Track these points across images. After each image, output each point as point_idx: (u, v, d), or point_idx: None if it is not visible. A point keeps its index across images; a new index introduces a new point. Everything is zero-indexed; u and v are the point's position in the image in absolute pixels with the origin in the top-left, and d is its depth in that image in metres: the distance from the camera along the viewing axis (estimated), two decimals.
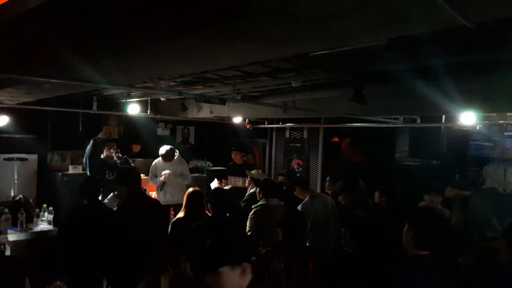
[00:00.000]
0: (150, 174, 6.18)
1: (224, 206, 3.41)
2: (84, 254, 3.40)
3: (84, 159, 5.94)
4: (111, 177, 5.60)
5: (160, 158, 6.14)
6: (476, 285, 2.25)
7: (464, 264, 2.38)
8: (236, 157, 6.89)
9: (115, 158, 5.96)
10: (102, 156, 5.92)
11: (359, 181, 3.72)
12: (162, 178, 5.97)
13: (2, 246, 4.08)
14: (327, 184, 5.25)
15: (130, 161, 6.31)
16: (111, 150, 5.95)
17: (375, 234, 3.19)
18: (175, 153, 6.12)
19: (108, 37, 2.32)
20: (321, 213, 4.23)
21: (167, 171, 5.97)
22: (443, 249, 2.23)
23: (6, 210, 4.71)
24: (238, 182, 6.38)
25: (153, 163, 6.21)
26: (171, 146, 6.18)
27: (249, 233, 3.84)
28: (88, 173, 5.71)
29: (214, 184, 6.14)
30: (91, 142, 5.85)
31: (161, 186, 6.03)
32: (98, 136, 5.93)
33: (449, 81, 3.59)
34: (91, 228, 3.43)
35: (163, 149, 6.07)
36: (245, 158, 6.96)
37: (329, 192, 5.01)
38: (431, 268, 2.10)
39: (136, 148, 7.41)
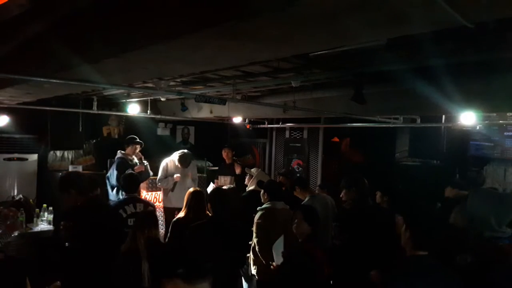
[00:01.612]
0: (160, 175, 5.92)
1: (223, 206, 3.40)
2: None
3: (111, 173, 5.58)
4: None
5: (171, 159, 5.95)
6: (477, 284, 2.24)
7: (463, 263, 2.37)
8: (228, 155, 6.77)
9: (136, 160, 5.76)
10: (120, 155, 5.65)
11: (363, 180, 3.85)
12: (175, 177, 5.79)
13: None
14: (317, 190, 5.24)
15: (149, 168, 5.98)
16: (136, 151, 5.75)
17: (362, 227, 3.24)
18: (192, 160, 5.98)
19: (108, 36, 2.32)
20: (321, 212, 4.22)
21: (178, 174, 5.82)
22: (440, 248, 2.23)
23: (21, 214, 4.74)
24: (226, 181, 6.38)
25: (164, 164, 5.94)
26: (189, 152, 6.00)
27: (256, 239, 3.82)
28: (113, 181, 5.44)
29: (210, 188, 6.10)
30: (119, 160, 5.56)
31: (173, 187, 5.84)
32: (123, 153, 5.69)
33: (449, 81, 3.59)
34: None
35: (180, 154, 5.86)
36: (235, 158, 6.90)
37: None
38: (429, 268, 2.10)
39: None
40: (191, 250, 3.14)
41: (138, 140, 5.85)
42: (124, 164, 5.50)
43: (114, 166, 5.52)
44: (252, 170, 5.53)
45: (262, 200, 4.09)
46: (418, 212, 2.39)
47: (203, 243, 3.18)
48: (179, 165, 5.84)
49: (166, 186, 5.87)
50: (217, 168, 7.20)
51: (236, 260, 3.43)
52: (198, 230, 3.29)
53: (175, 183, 5.83)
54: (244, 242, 3.70)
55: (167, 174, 5.88)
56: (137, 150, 5.82)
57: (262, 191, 4.15)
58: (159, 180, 5.92)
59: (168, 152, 6.20)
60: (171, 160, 5.97)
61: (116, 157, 5.65)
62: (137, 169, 5.56)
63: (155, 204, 5.56)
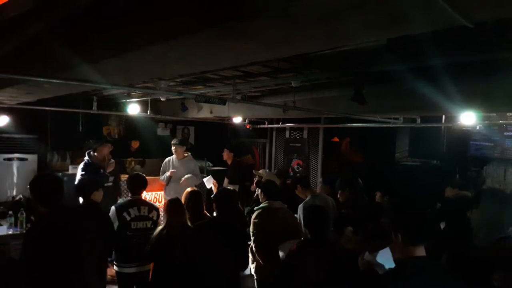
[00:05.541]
0: (161, 171, 6.26)
1: (229, 207, 3.38)
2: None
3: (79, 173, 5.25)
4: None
5: (172, 157, 6.20)
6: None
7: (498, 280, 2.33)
8: (224, 156, 6.83)
9: (106, 167, 5.44)
10: (88, 158, 5.31)
11: (356, 179, 3.90)
12: (168, 173, 6.07)
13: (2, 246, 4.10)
14: (319, 185, 5.25)
15: (120, 184, 5.67)
16: (107, 155, 5.45)
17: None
18: (187, 146, 6.27)
19: (108, 37, 2.32)
20: None
21: (173, 170, 6.07)
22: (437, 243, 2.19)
23: (10, 212, 4.70)
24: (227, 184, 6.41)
25: (165, 161, 6.28)
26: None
27: (253, 238, 3.81)
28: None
29: (207, 179, 6.11)
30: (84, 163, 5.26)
31: (168, 181, 6.14)
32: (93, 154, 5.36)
33: (449, 81, 3.59)
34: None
35: (176, 139, 6.31)
36: (237, 159, 6.88)
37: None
38: (428, 269, 2.06)
39: (135, 144, 7.42)
40: (194, 250, 3.13)
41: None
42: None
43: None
44: (260, 171, 5.54)
45: (260, 200, 4.11)
46: (404, 210, 2.32)
47: (207, 242, 3.17)
48: (174, 147, 6.11)
49: (164, 181, 6.20)
50: (216, 167, 7.25)
51: (239, 261, 3.41)
52: (201, 229, 3.28)
53: (169, 177, 6.10)
54: (247, 243, 3.70)
55: (165, 170, 6.21)
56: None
57: (259, 191, 4.16)
58: (160, 176, 6.27)
59: (168, 152, 6.25)
60: (170, 157, 6.25)
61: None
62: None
63: (156, 204, 5.55)
